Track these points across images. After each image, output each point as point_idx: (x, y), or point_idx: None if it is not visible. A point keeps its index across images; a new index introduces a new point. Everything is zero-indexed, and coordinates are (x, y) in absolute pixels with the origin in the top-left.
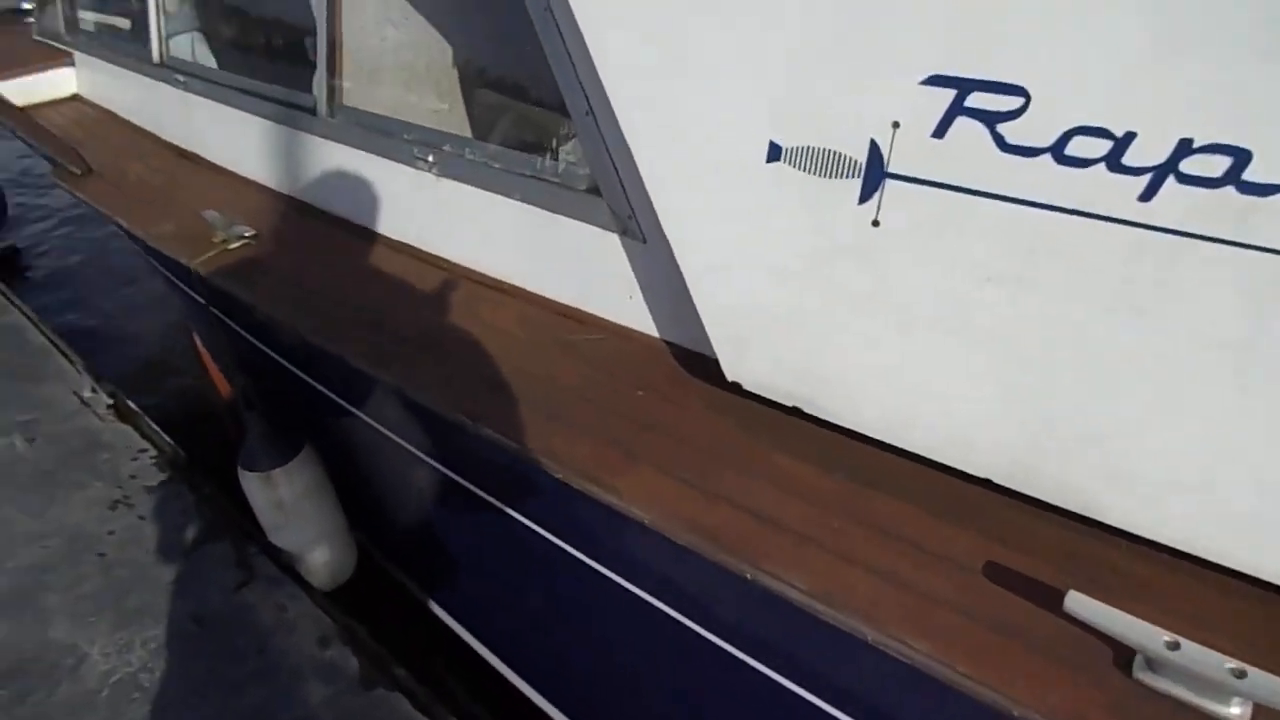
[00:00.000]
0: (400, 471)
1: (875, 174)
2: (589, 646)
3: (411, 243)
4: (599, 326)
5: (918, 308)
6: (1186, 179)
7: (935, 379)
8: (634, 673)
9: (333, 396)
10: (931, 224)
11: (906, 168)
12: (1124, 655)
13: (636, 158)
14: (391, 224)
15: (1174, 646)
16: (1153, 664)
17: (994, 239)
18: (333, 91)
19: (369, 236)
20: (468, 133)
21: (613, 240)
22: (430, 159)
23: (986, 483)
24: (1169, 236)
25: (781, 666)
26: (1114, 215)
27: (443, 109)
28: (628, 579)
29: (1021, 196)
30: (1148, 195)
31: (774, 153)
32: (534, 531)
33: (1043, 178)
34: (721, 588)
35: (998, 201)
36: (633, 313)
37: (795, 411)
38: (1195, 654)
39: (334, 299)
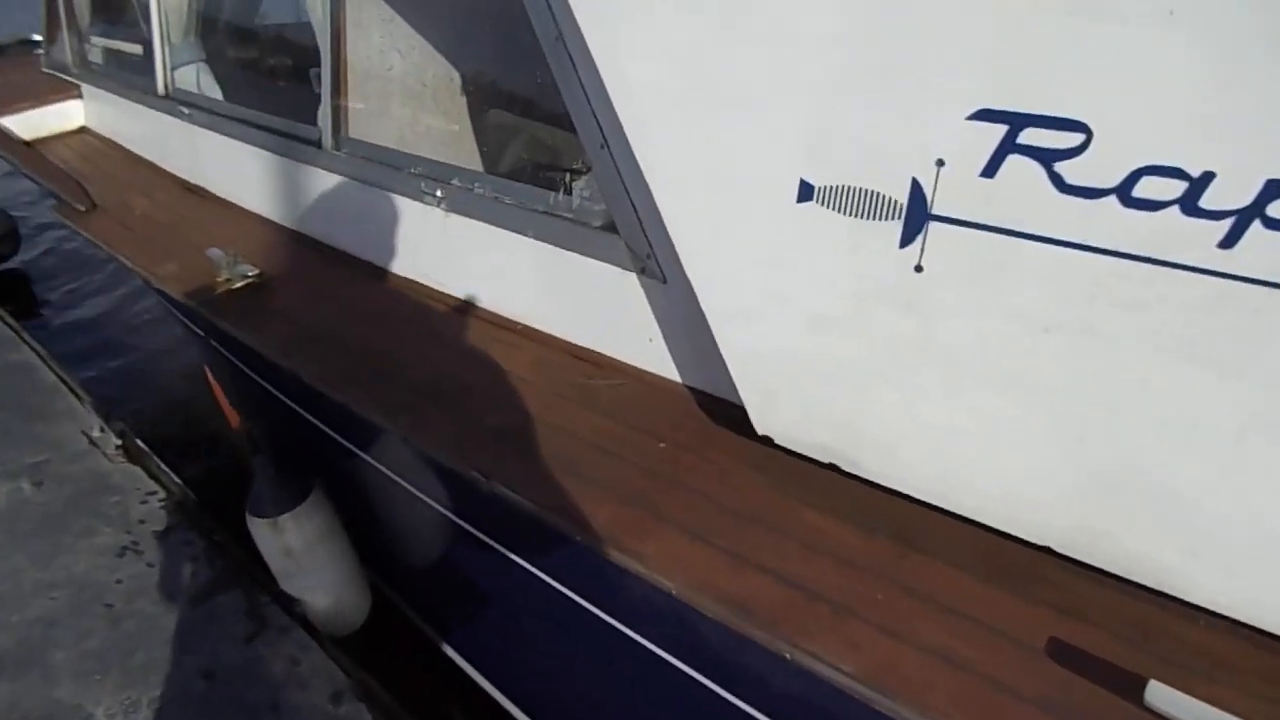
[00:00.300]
0: (413, 518)
1: (918, 216)
2: (611, 701)
3: (421, 280)
4: (617, 370)
5: (967, 359)
6: (1276, 224)
7: (987, 437)
8: None
9: (342, 441)
10: (981, 270)
11: (953, 209)
12: None
13: (655, 194)
14: (400, 261)
15: None
16: None
17: (1052, 286)
18: (338, 123)
19: (377, 274)
20: (478, 163)
21: (631, 280)
22: (439, 193)
23: (1046, 549)
24: (1255, 287)
25: None
26: (1190, 263)
27: (452, 129)
28: (652, 641)
29: (1083, 241)
30: (1229, 242)
31: (805, 192)
32: (553, 586)
33: (1107, 221)
34: (755, 658)
35: (1056, 246)
36: (652, 356)
37: (831, 467)
38: None
39: (341, 341)
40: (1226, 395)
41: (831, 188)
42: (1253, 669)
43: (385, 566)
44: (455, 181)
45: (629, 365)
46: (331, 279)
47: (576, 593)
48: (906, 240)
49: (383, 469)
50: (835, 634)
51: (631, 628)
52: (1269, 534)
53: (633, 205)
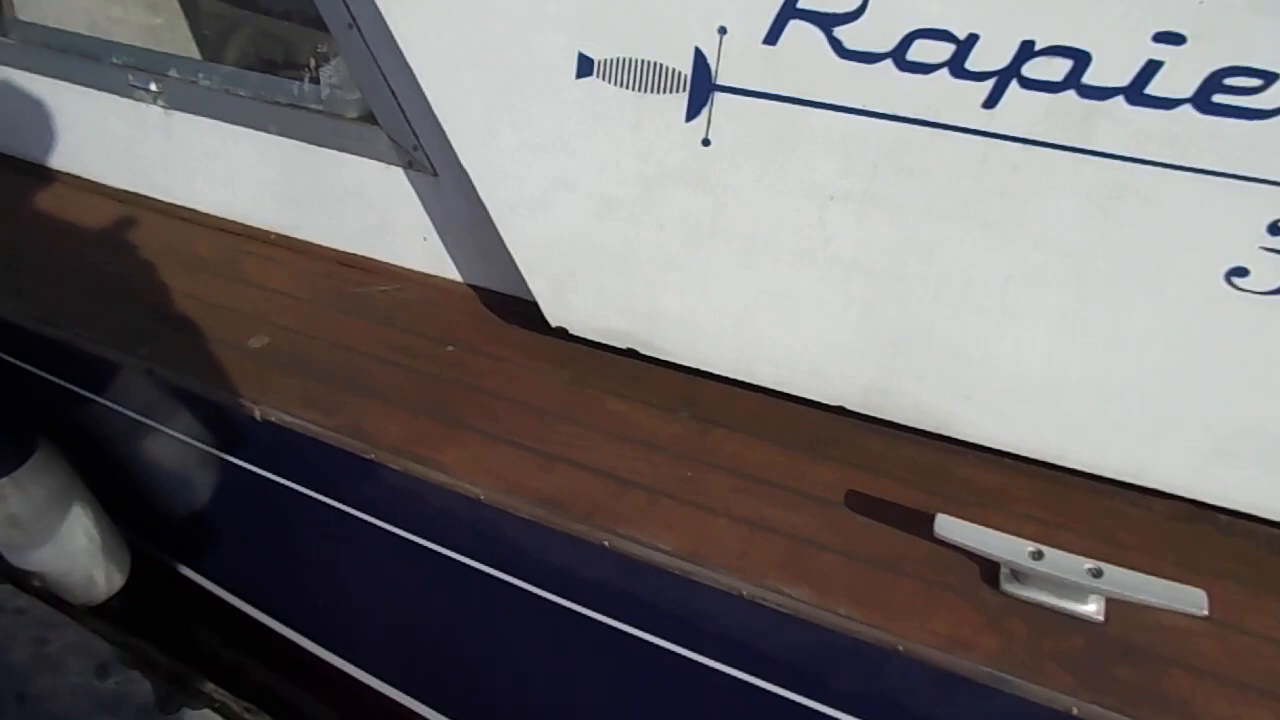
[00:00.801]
0: (171, 462)
1: (702, 87)
2: (424, 621)
3: (143, 191)
4: (391, 275)
5: (759, 232)
6: (1029, 84)
7: (782, 308)
8: (483, 649)
9: (69, 385)
10: (768, 141)
11: (737, 79)
12: (991, 570)
13: (419, 78)
14: (111, 169)
15: (1038, 556)
16: (1019, 575)
17: (836, 155)
18: (3, 2)
19: (82, 186)
20: (195, 53)
21: (397, 175)
22: (153, 88)
23: (838, 410)
24: (1013, 145)
25: (649, 626)
26: (958, 124)
27: (157, 24)
28: (463, 553)
29: (864, 107)
30: (991, 102)
31: (585, 66)
32: (345, 513)
33: (885, 86)
34: (572, 552)
35: (838, 113)
36: (429, 257)
37: (630, 353)
38: (1057, 560)
39: (48, 268)
40: (992, 250)
41: (612, 60)
42: (1022, 495)
43: (143, 520)
44: (173, 73)
45: (404, 268)
46: (19, 196)
47: (372, 515)
48: (692, 113)
49: (126, 411)
50: (651, 517)
51: (438, 543)
52: (1031, 373)
53: (392, 92)
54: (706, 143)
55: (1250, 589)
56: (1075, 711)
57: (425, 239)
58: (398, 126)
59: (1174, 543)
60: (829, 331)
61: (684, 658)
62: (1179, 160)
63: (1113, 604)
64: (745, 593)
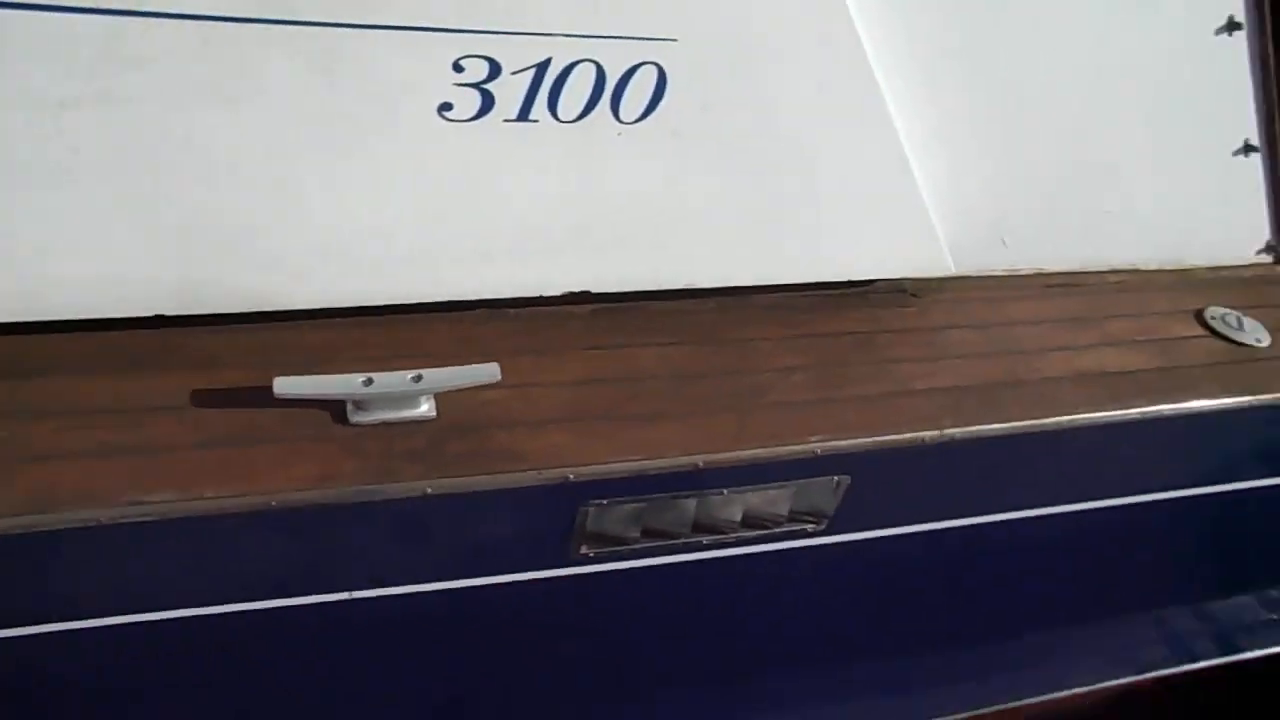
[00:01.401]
0: None
1: None
2: None
3: None
4: None
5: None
6: None
7: (55, 233)
8: None
9: None
10: None
11: None
12: (339, 410)
13: None
14: None
15: (369, 383)
16: (360, 405)
17: (50, 59)
18: None
19: None
20: None
21: None
22: None
23: (158, 320)
24: (227, 24)
25: (20, 617)
26: (175, 11)
27: None
28: None
29: (61, 4)
30: None
31: None
32: None
33: None
34: None
35: (36, 13)
36: None
37: None
38: (384, 380)
39: None
40: (247, 126)
41: None
42: (352, 343)
43: None
44: None
45: None
46: None
47: None
48: None
49: None
50: None
51: None
52: (323, 231)
53: None
54: None
55: (534, 355)
56: (430, 490)
57: None
58: None
59: (479, 341)
60: (112, 243)
61: (78, 631)
62: (373, 20)
63: (441, 399)
64: (104, 519)
